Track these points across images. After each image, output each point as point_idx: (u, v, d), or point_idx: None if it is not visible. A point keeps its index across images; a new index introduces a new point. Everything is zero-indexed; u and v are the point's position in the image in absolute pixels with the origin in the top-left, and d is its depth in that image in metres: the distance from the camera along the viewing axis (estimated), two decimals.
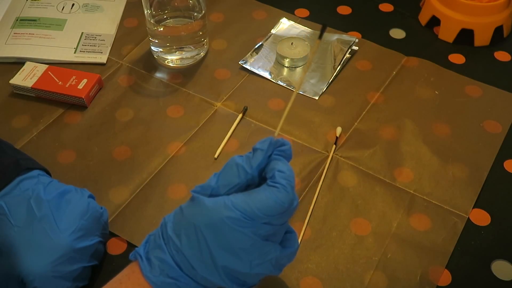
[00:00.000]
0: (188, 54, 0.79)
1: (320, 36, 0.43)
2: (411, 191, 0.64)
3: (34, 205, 0.52)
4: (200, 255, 0.43)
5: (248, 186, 0.45)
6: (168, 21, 0.78)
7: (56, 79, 0.74)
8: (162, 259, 0.44)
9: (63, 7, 0.89)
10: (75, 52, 0.81)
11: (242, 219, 0.41)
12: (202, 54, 0.81)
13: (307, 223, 0.61)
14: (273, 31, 0.85)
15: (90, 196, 0.57)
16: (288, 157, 0.46)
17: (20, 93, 0.75)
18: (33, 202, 0.52)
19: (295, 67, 0.79)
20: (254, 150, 0.45)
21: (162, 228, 0.45)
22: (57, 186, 0.55)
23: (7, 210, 0.51)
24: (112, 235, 0.60)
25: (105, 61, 0.80)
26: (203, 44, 0.80)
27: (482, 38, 0.82)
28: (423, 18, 0.86)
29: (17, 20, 0.86)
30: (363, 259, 0.58)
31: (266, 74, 0.78)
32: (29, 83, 0.74)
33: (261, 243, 0.43)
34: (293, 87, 0.76)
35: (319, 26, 0.85)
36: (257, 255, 0.43)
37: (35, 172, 0.55)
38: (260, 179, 0.45)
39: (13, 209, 0.52)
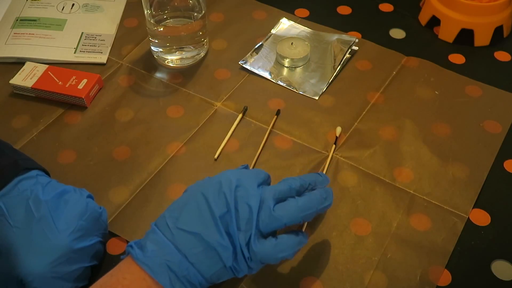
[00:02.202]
0: (188, 54, 0.79)
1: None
2: (411, 191, 0.64)
3: (32, 205, 0.52)
4: (198, 211, 0.47)
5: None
6: (168, 21, 0.78)
7: (56, 79, 0.74)
8: (154, 240, 0.46)
9: (63, 7, 0.89)
10: (75, 52, 0.81)
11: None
12: (202, 54, 0.81)
13: (307, 223, 0.61)
14: (273, 31, 0.85)
15: (89, 196, 0.56)
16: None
17: (20, 93, 0.75)
18: (32, 202, 0.52)
19: (295, 67, 0.79)
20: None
21: (157, 220, 0.49)
22: (55, 186, 0.55)
23: (6, 210, 0.51)
24: (112, 235, 0.60)
25: (105, 61, 0.80)
26: (203, 44, 0.80)
27: (482, 38, 0.82)
28: (423, 18, 0.86)
29: (17, 20, 0.86)
30: (363, 259, 0.58)
31: (266, 74, 0.78)
32: (29, 83, 0.74)
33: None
34: (293, 88, 0.76)
35: (319, 26, 0.85)
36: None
37: (34, 173, 0.55)
38: None
39: (11, 210, 0.52)
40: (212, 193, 0.48)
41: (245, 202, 0.48)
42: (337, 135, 0.69)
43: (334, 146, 0.68)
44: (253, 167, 0.66)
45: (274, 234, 0.49)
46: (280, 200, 0.50)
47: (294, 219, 0.49)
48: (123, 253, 0.58)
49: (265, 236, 0.48)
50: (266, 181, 0.53)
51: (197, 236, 0.47)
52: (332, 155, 0.67)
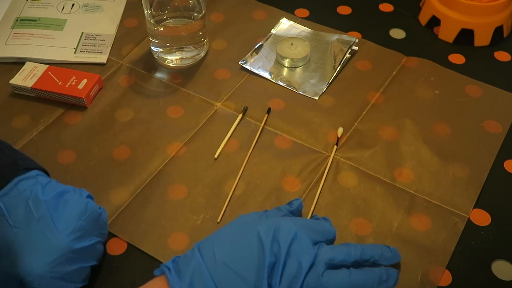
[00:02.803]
0: (188, 54, 0.79)
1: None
2: (412, 191, 0.64)
3: (32, 205, 0.51)
4: (250, 254, 0.45)
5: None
6: (168, 21, 0.78)
7: (56, 79, 0.74)
8: (196, 272, 0.43)
9: (63, 7, 0.89)
10: (75, 52, 0.81)
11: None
12: (202, 54, 0.81)
13: None
14: (273, 31, 0.85)
15: (89, 196, 0.56)
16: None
17: (20, 93, 0.75)
18: (31, 202, 0.52)
19: (295, 67, 0.79)
20: None
21: (201, 245, 0.47)
22: (55, 186, 0.55)
23: (5, 210, 0.51)
24: (112, 235, 0.60)
25: (105, 61, 0.80)
26: (203, 44, 0.80)
27: (482, 38, 0.82)
28: (423, 18, 0.86)
29: (17, 20, 0.86)
30: None
31: (266, 74, 0.78)
32: (29, 83, 0.74)
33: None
34: (293, 88, 0.76)
35: (319, 26, 0.85)
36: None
37: (34, 173, 0.55)
38: None
39: (11, 210, 0.51)
40: (268, 237, 0.46)
41: (296, 259, 0.45)
42: (339, 135, 0.69)
43: (335, 146, 0.68)
44: (244, 166, 0.66)
45: None
46: (333, 266, 0.47)
47: None
48: (123, 254, 0.59)
49: None
50: (328, 241, 0.50)
51: (241, 278, 0.44)
52: (333, 156, 0.67)
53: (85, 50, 0.81)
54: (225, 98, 0.75)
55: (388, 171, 0.66)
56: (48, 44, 0.82)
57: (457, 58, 0.81)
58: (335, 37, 0.83)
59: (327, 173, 0.65)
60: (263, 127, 0.71)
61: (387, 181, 0.65)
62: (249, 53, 0.81)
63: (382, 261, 0.49)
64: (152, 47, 0.80)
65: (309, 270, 0.45)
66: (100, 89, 0.76)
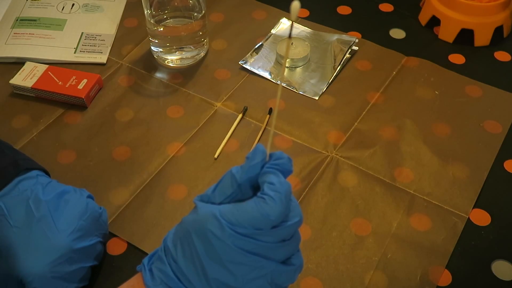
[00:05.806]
0: (188, 54, 0.79)
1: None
2: (411, 191, 0.64)
3: (32, 205, 0.52)
4: (193, 266, 0.41)
5: (242, 197, 0.42)
6: (168, 21, 0.78)
7: (56, 79, 0.74)
8: (162, 270, 0.43)
9: (63, 7, 0.89)
10: (75, 52, 0.81)
11: (228, 230, 0.39)
12: (202, 54, 0.81)
13: (307, 223, 0.61)
14: (273, 31, 0.85)
15: (89, 196, 0.56)
16: (285, 171, 0.41)
17: (20, 93, 0.75)
18: (32, 202, 0.52)
19: (295, 67, 0.79)
20: (245, 159, 0.42)
21: (164, 240, 0.45)
22: (56, 186, 0.55)
23: (6, 210, 0.51)
24: (112, 235, 0.60)
25: (105, 61, 0.80)
26: (203, 44, 0.80)
27: (482, 38, 0.82)
28: (423, 18, 0.86)
29: (17, 20, 0.86)
30: (363, 259, 0.58)
31: (266, 74, 0.78)
32: (29, 83, 0.74)
33: (251, 258, 0.40)
34: (293, 88, 0.76)
35: (319, 26, 0.85)
36: (248, 270, 0.40)
37: (34, 173, 0.55)
38: (255, 191, 0.42)
39: (12, 210, 0.52)
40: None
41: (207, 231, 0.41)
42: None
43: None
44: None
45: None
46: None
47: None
48: (123, 254, 0.59)
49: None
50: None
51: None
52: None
53: (85, 50, 0.82)
54: (225, 98, 0.75)
55: (388, 171, 0.66)
56: (48, 44, 0.82)
57: (457, 58, 0.81)
58: (335, 37, 0.83)
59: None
60: (265, 128, 0.71)
61: (387, 181, 0.65)
62: (249, 53, 0.81)
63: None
64: (152, 47, 0.80)
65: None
66: (100, 89, 0.76)
